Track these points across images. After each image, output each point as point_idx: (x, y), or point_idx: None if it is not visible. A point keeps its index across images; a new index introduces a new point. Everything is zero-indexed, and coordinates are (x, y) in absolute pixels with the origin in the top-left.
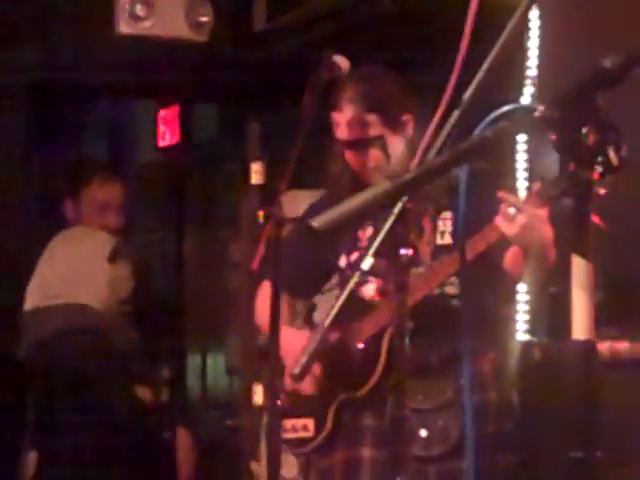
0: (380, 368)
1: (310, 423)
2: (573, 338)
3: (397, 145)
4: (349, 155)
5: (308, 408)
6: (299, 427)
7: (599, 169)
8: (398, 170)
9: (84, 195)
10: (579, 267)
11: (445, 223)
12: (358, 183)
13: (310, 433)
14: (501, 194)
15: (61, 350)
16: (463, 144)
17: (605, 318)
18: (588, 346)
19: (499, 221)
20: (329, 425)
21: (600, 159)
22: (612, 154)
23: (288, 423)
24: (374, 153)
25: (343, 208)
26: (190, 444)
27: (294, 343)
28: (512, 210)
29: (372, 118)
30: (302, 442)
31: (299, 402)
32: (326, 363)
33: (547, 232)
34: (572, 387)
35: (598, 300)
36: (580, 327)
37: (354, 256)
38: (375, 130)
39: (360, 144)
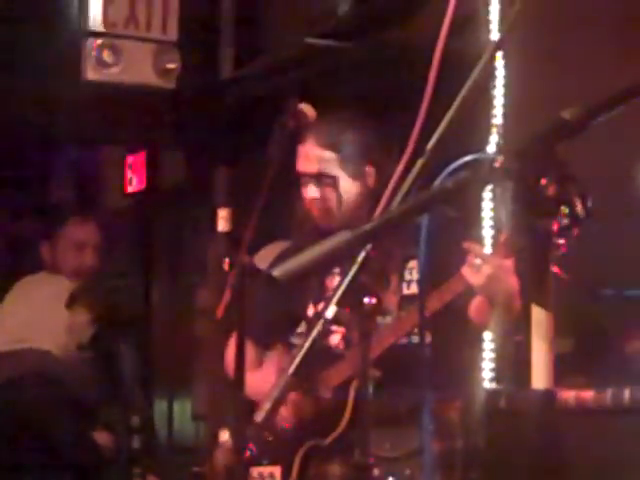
0: (347, 417)
1: (277, 471)
2: (532, 387)
3: (352, 191)
4: (304, 192)
5: (275, 456)
6: (266, 475)
7: (565, 221)
8: (348, 217)
9: (60, 236)
10: (539, 317)
11: (412, 272)
12: (319, 230)
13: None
14: (467, 244)
15: (14, 395)
16: (423, 194)
17: (572, 367)
18: (547, 395)
19: (465, 271)
20: (295, 473)
21: (566, 211)
22: (578, 205)
23: (255, 471)
24: (327, 192)
25: (304, 257)
26: None
27: (262, 385)
28: (478, 261)
29: (329, 155)
30: None
31: (266, 449)
32: (295, 411)
33: (512, 283)
34: (532, 436)
35: (567, 349)
36: (539, 376)
37: (321, 305)
38: (330, 168)
39: (315, 179)
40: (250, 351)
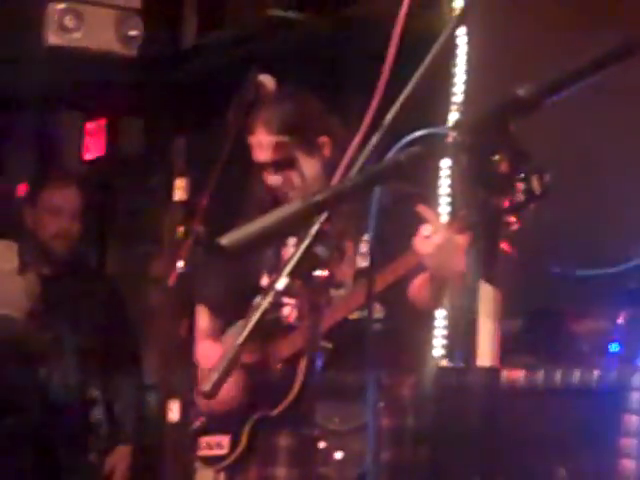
0: (296, 388)
1: (225, 440)
2: (477, 365)
3: (313, 167)
4: (267, 177)
5: (223, 425)
6: (213, 444)
7: (521, 196)
8: (314, 191)
9: (38, 200)
10: (486, 295)
11: (367, 245)
12: (279, 206)
13: (224, 450)
14: (421, 208)
15: None
16: (375, 167)
17: (523, 346)
18: (491, 373)
19: (416, 241)
20: (243, 443)
21: (523, 187)
22: (535, 182)
23: (203, 440)
24: (289, 176)
25: (253, 227)
26: (129, 461)
27: (214, 356)
28: (429, 229)
29: (282, 140)
30: (216, 459)
31: (214, 419)
32: (244, 380)
33: (459, 262)
34: (475, 413)
35: (517, 328)
36: (485, 354)
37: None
38: (287, 152)
39: (274, 166)
40: (207, 320)
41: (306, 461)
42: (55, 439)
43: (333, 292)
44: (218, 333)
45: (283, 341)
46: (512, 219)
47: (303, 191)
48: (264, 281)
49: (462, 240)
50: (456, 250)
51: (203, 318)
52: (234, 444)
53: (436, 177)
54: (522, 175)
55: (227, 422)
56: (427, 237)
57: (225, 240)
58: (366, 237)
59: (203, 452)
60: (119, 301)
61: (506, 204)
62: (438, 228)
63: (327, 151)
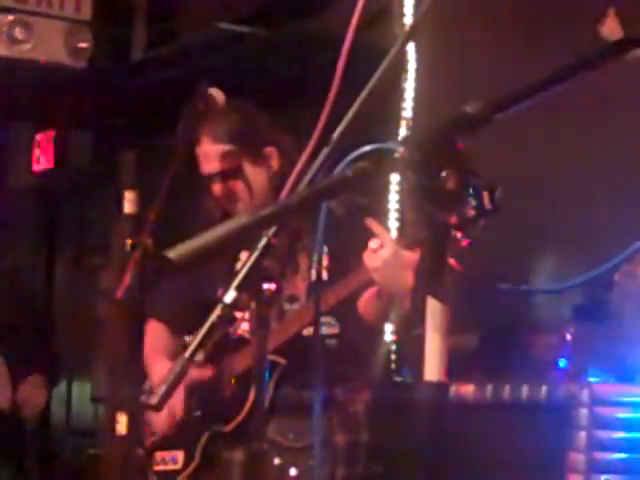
0: (248, 405)
1: (179, 455)
2: (425, 380)
3: (259, 178)
4: (215, 189)
5: (178, 441)
6: (168, 459)
7: (471, 212)
8: (261, 203)
9: None
10: (434, 310)
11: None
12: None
13: (179, 465)
14: (370, 222)
15: None
16: (322, 182)
17: (474, 363)
18: (438, 387)
19: (365, 255)
20: (197, 458)
21: (474, 202)
22: (486, 198)
23: (158, 455)
24: (236, 185)
25: (200, 240)
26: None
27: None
28: (377, 242)
29: (227, 149)
30: (171, 475)
31: (169, 435)
32: (198, 396)
33: (407, 278)
34: (423, 428)
35: (472, 346)
36: (432, 369)
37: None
38: (233, 162)
39: (220, 177)
40: (164, 338)
41: (260, 477)
42: None
43: (287, 306)
44: (175, 351)
45: (236, 356)
46: (459, 235)
47: (250, 202)
48: (219, 294)
49: (410, 256)
50: (403, 265)
51: (160, 336)
52: (188, 459)
53: (385, 192)
54: (472, 190)
55: (181, 437)
56: (374, 251)
57: (172, 254)
58: (319, 249)
59: (158, 467)
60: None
61: (453, 220)
62: (386, 242)
63: (274, 162)
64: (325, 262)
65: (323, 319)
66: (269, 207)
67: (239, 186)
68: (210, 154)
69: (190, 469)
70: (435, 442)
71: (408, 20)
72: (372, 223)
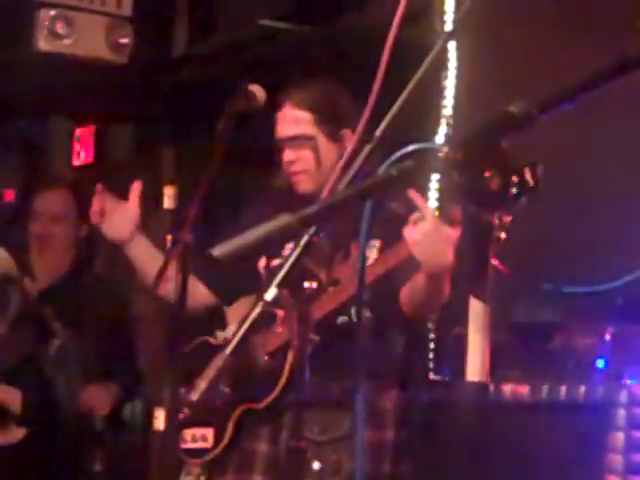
0: (282, 382)
1: (209, 433)
2: (467, 379)
3: (330, 154)
4: (284, 154)
5: (209, 418)
6: (198, 437)
7: (514, 190)
8: (325, 181)
9: (25, 206)
10: (476, 310)
11: (372, 251)
12: (297, 198)
13: (209, 444)
14: (412, 194)
15: None
16: (367, 180)
17: (509, 360)
18: (480, 388)
19: (405, 230)
20: (228, 437)
21: (516, 180)
22: (528, 174)
23: (188, 433)
24: (305, 154)
25: (245, 238)
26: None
27: None
28: (418, 215)
29: (305, 116)
30: (200, 452)
31: (200, 411)
32: (229, 373)
33: (447, 253)
34: (464, 427)
35: (503, 342)
36: (474, 368)
37: (275, 262)
38: (307, 129)
39: (292, 141)
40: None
41: (285, 472)
42: (59, 450)
43: (329, 289)
44: None
45: (269, 334)
46: (502, 235)
47: (315, 176)
48: (261, 263)
49: (451, 231)
50: (444, 240)
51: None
52: (218, 437)
53: (425, 192)
54: (515, 167)
55: (212, 415)
56: (415, 223)
57: (217, 251)
58: (372, 242)
59: (188, 445)
60: (122, 308)
61: (496, 220)
62: (427, 215)
63: (348, 145)
64: (375, 254)
65: (354, 310)
66: (313, 206)
67: (309, 156)
68: (288, 118)
69: (219, 448)
70: (478, 442)
71: (449, 17)
72: (414, 195)
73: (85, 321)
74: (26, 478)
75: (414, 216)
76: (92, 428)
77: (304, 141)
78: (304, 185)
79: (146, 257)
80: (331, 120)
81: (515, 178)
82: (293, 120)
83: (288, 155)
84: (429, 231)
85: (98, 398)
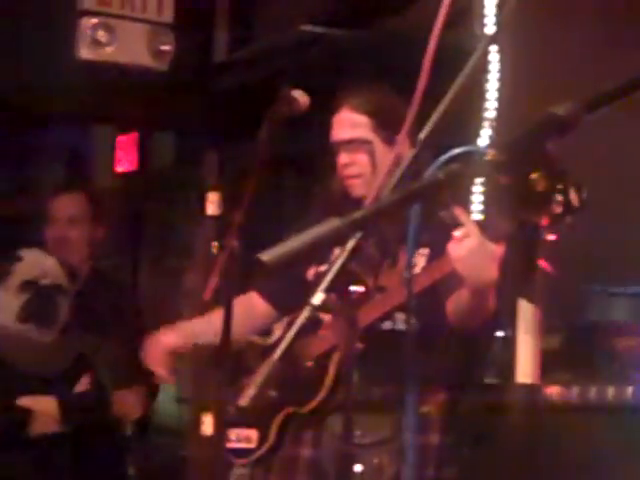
0: (326, 388)
1: (254, 434)
2: (518, 382)
3: (386, 158)
4: (340, 158)
5: (253, 419)
6: (242, 438)
7: (558, 209)
8: (380, 186)
9: (44, 211)
10: (525, 311)
11: (420, 259)
12: (351, 201)
13: (253, 444)
14: (457, 210)
15: None
16: (414, 184)
17: (558, 363)
18: (533, 390)
19: (449, 246)
20: (271, 440)
21: (560, 199)
22: (573, 194)
23: (232, 433)
24: (361, 158)
25: (293, 243)
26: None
27: None
28: (462, 232)
29: (363, 119)
30: (244, 452)
31: (244, 413)
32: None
33: (492, 270)
34: (516, 431)
35: (555, 345)
36: (525, 371)
37: (323, 267)
38: (364, 133)
39: (348, 145)
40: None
41: (325, 473)
42: (91, 456)
43: (376, 296)
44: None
45: (315, 338)
46: (550, 236)
47: (370, 180)
48: (311, 272)
49: (495, 248)
50: (488, 256)
51: (240, 314)
52: (262, 439)
53: (468, 193)
54: (560, 187)
55: (256, 416)
56: (460, 240)
57: (266, 256)
58: (421, 250)
59: (232, 444)
60: (139, 311)
61: (544, 222)
62: (471, 232)
63: (404, 150)
64: (423, 262)
65: (401, 315)
66: (361, 210)
67: (365, 160)
68: (345, 121)
69: (263, 449)
70: (529, 446)
71: (489, 20)
72: (459, 212)
73: (107, 324)
74: None
75: (458, 232)
76: (123, 432)
77: (361, 145)
78: (358, 189)
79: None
80: (388, 125)
81: (560, 198)
82: (351, 124)
83: (344, 158)
84: (473, 248)
85: (129, 402)
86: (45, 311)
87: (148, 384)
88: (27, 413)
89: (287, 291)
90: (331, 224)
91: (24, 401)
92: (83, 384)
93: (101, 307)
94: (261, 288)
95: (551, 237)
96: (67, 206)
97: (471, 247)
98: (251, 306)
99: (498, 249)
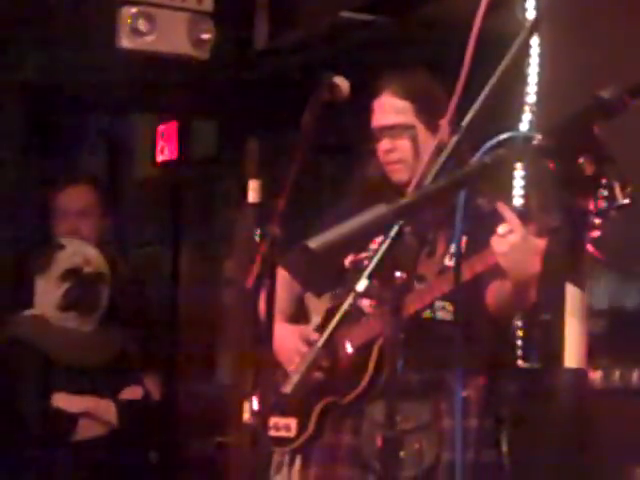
0: (367, 379)
1: (293, 423)
2: (565, 366)
3: (428, 144)
4: (381, 144)
5: (292, 407)
6: (281, 426)
7: (603, 204)
8: (423, 171)
9: (50, 204)
10: (573, 296)
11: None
12: (387, 185)
13: (292, 433)
14: (500, 206)
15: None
16: (462, 170)
17: (599, 347)
18: (580, 374)
19: (493, 240)
20: (311, 429)
21: (605, 193)
22: (617, 190)
23: (271, 421)
24: (403, 143)
25: (341, 230)
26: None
27: (288, 339)
28: (506, 227)
29: (405, 105)
30: (283, 441)
31: (284, 400)
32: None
33: (535, 264)
34: (563, 415)
35: (599, 329)
36: (572, 355)
37: (362, 255)
38: (407, 118)
39: (391, 130)
40: (287, 297)
41: (366, 460)
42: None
43: (415, 285)
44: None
45: (357, 327)
46: (597, 221)
47: (413, 166)
48: (349, 258)
49: (538, 242)
50: (531, 252)
51: (282, 295)
52: (301, 428)
53: (509, 180)
54: (605, 182)
55: (296, 405)
56: (503, 236)
57: (313, 243)
58: (457, 238)
59: (271, 432)
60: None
61: (591, 206)
62: (515, 227)
63: (445, 136)
64: (462, 250)
65: (439, 303)
66: (407, 196)
67: (407, 146)
68: (387, 106)
69: (302, 439)
70: (577, 430)
71: (530, 5)
72: (502, 208)
73: (121, 314)
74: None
75: (502, 228)
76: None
77: (403, 130)
78: (400, 175)
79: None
80: (430, 110)
81: (605, 192)
82: (393, 109)
83: (385, 144)
84: (517, 243)
85: (149, 387)
86: (87, 299)
87: (163, 371)
88: (74, 419)
89: (319, 275)
90: (377, 211)
91: (81, 402)
92: (134, 393)
93: (111, 297)
94: (294, 270)
95: (596, 233)
96: (75, 199)
97: (514, 243)
98: (282, 293)
99: (541, 243)
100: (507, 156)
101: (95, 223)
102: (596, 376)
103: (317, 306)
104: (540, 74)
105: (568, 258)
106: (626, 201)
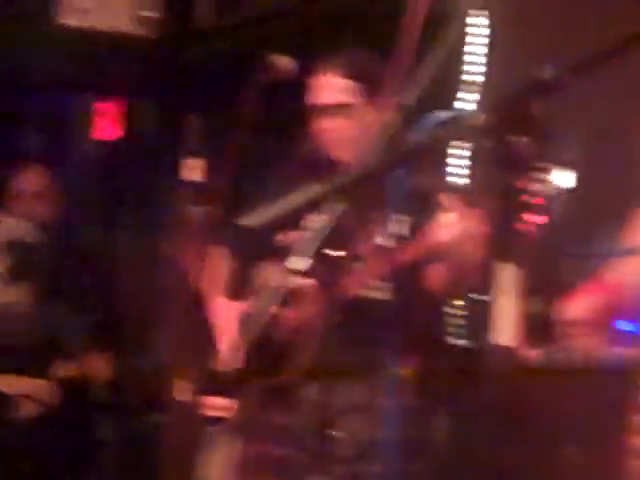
0: (301, 358)
1: (228, 403)
2: (494, 344)
3: (369, 122)
4: (322, 123)
5: (228, 387)
6: (218, 406)
7: (538, 185)
8: (364, 151)
9: (7, 187)
10: (504, 274)
11: (403, 227)
12: (326, 163)
13: (227, 413)
14: (442, 198)
15: None
16: (400, 149)
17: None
18: (508, 352)
19: (435, 227)
20: (247, 408)
21: (541, 175)
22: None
23: (207, 400)
24: (345, 124)
25: (277, 207)
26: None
27: (225, 315)
28: (448, 217)
29: (347, 84)
30: (218, 421)
31: (220, 379)
32: (252, 347)
33: (477, 253)
34: (492, 392)
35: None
36: (503, 333)
37: (296, 232)
38: (349, 97)
39: (332, 110)
40: (225, 271)
41: (301, 440)
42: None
43: (351, 265)
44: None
45: (293, 306)
46: (532, 200)
47: (354, 147)
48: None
49: (480, 231)
50: (474, 241)
51: (221, 269)
52: (237, 407)
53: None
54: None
55: (232, 384)
56: (445, 225)
57: (249, 220)
58: (403, 217)
59: (208, 412)
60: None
61: (527, 185)
62: (456, 217)
63: (387, 116)
64: (404, 231)
65: (375, 283)
66: (345, 175)
67: (347, 124)
68: (327, 85)
69: (238, 418)
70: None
71: None
72: (442, 198)
73: (61, 294)
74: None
75: (443, 218)
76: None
77: (343, 109)
78: (341, 153)
79: None
80: (373, 89)
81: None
82: (333, 87)
83: (327, 122)
84: (459, 234)
85: (98, 367)
86: (31, 270)
87: (115, 350)
88: (7, 397)
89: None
90: (315, 189)
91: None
92: (69, 370)
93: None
94: (228, 244)
95: (542, 219)
96: (30, 181)
97: (456, 232)
98: (220, 267)
99: (482, 231)
100: (447, 135)
101: (48, 205)
102: (535, 354)
103: (262, 282)
104: (487, 54)
105: (502, 238)
106: (561, 184)
